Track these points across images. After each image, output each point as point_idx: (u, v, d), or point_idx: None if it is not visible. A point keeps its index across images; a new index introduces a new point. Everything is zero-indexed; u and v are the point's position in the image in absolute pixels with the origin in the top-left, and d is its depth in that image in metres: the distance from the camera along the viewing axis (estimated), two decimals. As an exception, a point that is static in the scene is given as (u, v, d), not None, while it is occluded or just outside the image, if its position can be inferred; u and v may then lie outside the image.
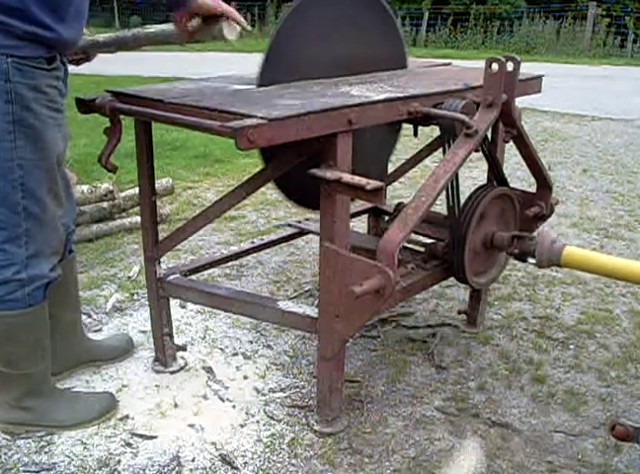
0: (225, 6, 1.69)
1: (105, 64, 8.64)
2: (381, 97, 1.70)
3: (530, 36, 14.69)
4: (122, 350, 2.21)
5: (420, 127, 2.05)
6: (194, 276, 2.18)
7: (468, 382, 2.13)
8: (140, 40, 1.85)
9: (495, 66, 1.80)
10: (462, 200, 1.96)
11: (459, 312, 2.50)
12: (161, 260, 2.05)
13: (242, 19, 1.71)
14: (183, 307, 2.57)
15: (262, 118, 1.43)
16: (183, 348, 2.17)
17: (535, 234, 1.95)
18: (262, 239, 2.49)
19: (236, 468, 1.72)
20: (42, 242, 1.68)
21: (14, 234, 1.62)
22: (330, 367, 1.80)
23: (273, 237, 2.54)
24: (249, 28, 1.73)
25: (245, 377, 2.13)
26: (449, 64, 2.64)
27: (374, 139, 2.25)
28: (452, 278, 2.11)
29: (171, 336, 2.14)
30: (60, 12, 1.54)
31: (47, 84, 1.58)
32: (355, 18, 1.97)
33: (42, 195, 1.63)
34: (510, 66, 1.84)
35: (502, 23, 15.42)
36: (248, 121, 1.41)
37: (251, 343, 2.34)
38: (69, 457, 1.75)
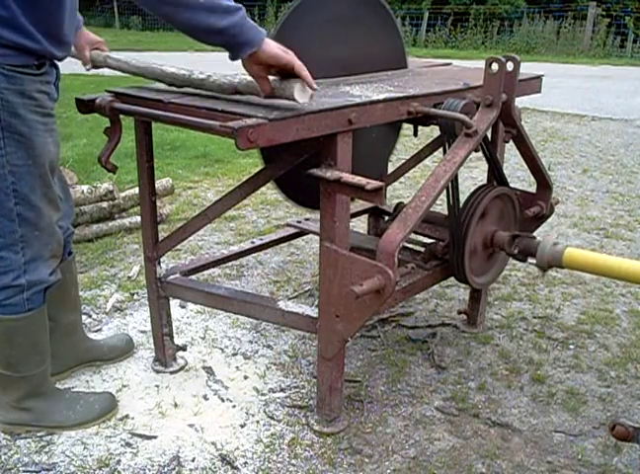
0: (298, 61, 1.52)
1: (105, 64, 8.65)
2: (381, 97, 1.70)
3: (530, 36, 14.69)
4: (122, 350, 2.20)
5: (420, 127, 2.06)
6: (194, 276, 2.18)
7: (468, 382, 2.13)
8: (205, 87, 1.70)
9: (495, 66, 1.80)
10: (462, 200, 1.96)
11: (459, 312, 2.50)
12: (161, 260, 2.05)
13: (311, 79, 1.52)
14: (183, 307, 2.57)
15: (262, 117, 1.43)
16: (183, 348, 2.17)
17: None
18: (262, 239, 2.49)
19: (236, 468, 1.72)
20: (40, 247, 1.67)
21: (10, 241, 1.61)
22: (330, 367, 1.80)
23: (273, 237, 2.54)
24: (315, 87, 1.55)
25: (245, 377, 2.13)
26: (449, 64, 2.64)
27: (374, 139, 2.25)
28: (452, 278, 2.11)
29: (171, 336, 2.13)
30: (49, 27, 1.52)
31: (36, 89, 1.55)
32: (355, 18, 1.97)
33: (36, 200, 1.62)
34: (510, 66, 1.84)
35: (502, 23, 15.42)
36: (248, 121, 1.41)
37: (251, 343, 2.34)
38: (69, 457, 1.75)
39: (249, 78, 1.59)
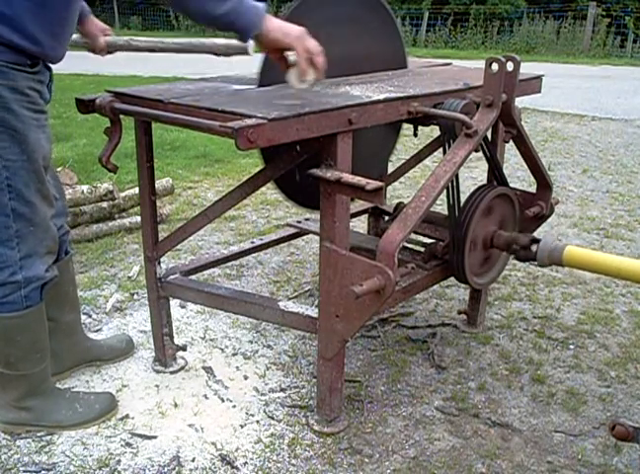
0: (302, 46, 1.54)
1: (105, 64, 8.65)
2: (381, 97, 1.70)
3: (530, 36, 14.68)
4: (122, 350, 2.20)
5: (420, 127, 2.05)
6: (194, 276, 2.18)
7: (468, 382, 2.13)
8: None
9: (495, 66, 1.80)
10: (462, 200, 1.96)
11: (459, 312, 2.50)
12: (161, 260, 2.05)
13: (305, 69, 1.56)
14: (183, 307, 2.57)
15: (262, 117, 1.43)
16: (183, 348, 2.17)
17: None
18: (262, 239, 2.49)
19: (236, 468, 1.72)
20: (35, 243, 1.67)
21: (5, 236, 1.61)
22: (330, 367, 1.80)
23: (273, 237, 2.54)
24: (309, 78, 1.58)
25: (245, 377, 2.13)
26: (449, 64, 2.64)
27: (375, 139, 2.25)
28: (452, 278, 2.11)
29: (171, 336, 2.14)
30: (53, 28, 1.54)
31: (28, 86, 1.55)
32: (355, 18, 1.97)
33: (31, 195, 1.62)
34: (510, 66, 1.84)
35: (502, 23, 15.41)
36: (248, 121, 1.41)
37: (251, 343, 2.34)
38: (69, 457, 1.75)
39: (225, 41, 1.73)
